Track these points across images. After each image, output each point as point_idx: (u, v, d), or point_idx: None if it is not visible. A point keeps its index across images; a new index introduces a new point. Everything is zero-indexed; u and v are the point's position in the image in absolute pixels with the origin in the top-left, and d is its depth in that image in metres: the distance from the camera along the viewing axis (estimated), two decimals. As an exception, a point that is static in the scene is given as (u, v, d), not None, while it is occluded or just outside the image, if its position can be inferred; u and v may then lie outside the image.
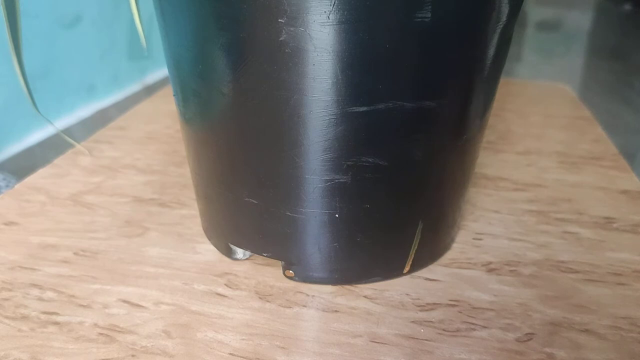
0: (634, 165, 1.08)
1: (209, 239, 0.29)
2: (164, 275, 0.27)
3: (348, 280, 0.26)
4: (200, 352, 0.22)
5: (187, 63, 0.23)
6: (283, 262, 0.26)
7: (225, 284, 0.26)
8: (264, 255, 0.26)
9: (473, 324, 0.24)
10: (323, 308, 0.25)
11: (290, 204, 0.24)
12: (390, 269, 0.26)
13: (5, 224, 0.31)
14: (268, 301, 0.25)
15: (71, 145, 0.40)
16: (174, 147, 0.41)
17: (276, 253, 0.26)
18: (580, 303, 0.25)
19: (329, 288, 0.26)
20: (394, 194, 0.24)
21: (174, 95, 0.26)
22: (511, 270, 0.27)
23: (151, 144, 0.42)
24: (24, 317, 0.24)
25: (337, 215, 0.24)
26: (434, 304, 0.25)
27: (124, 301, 0.25)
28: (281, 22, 0.19)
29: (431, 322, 0.24)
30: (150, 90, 1.58)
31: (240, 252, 0.27)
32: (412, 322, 0.24)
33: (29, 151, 1.27)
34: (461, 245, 0.29)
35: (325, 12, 0.19)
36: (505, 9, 0.22)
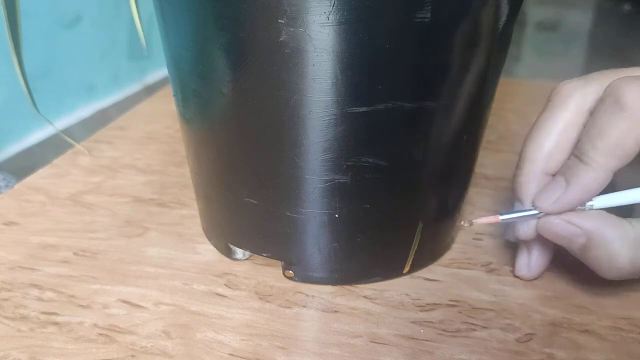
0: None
1: (209, 239, 0.29)
2: (164, 276, 0.27)
3: (348, 280, 0.26)
4: (200, 353, 0.22)
5: (187, 63, 0.23)
6: (283, 262, 0.26)
7: (225, 284, 0.26)
8: (263, 256, 0.26)
9: (473, 324, 0.24)
10: (323, 308, 0.25)
11: (290, 204, 0.24)
12: (390, 269, 0.26)
13: (5, 224, 0.31)
14: (268, 301, 0.25)
15: (71, 145, 0.40)
16: (174, 147, 0.41)
17: (276, 253, 0.26)
18: (580, 303, 0.25)
19: (328, 288, 0.26)
20: (394, 194, 0.24)
21: (173, 96, 0.26)
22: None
23: (151, 144, 0.42)
24: (24, 317, 0.24)
25: (336, 216, 0.24)
26: (434, 304, 0.25)
27: (124, 301, 0.25)
28: (281, 22, 0.19)
29: (431, 322, 0.24)
30: (150, 90, 1.58)
31: (240, 252, 0.27)
32: (412, 322, 0.24)
33: (29, 151, 1.27)
34: (461, 246, 0.29)
35: (324, 12, 0.19)
36: (504, 9, 0.22)
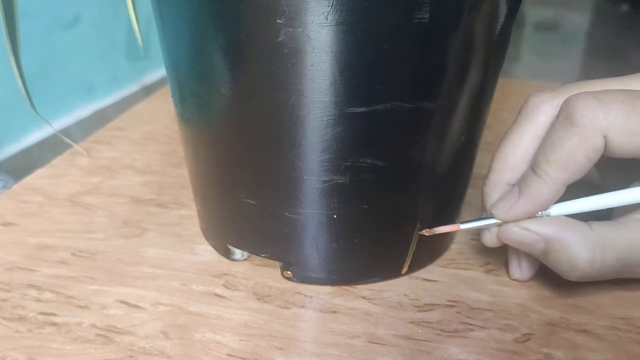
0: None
1: (207, 240, 0.29)
2: (162, 276, 0.27)
3: (346, 280, 0.26)
4: (199, 353, 0.22)
5: (185, 63, 0.23)
6: (281, 263, 0.26)
7: (223, 285, 0.26)
8: (262, 256, 0.26)
9: (471, 324, 0.24)
10: (321, 309, 0.25)
11: (289, 204, 0.24)
12: (388, 269, 0.26)
13: (3, 224, 0.31)
14: (266, 302, 0.25)
15: (69, 146, 0.40)
16: (173, 148, 0.41)
17: (274, 254, 0.26)
18: (578, 303, 0.25)
19: (327, 289, 0.26)
20: (392, 194, 0.24)
21: (172, 96, 0.26)
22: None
23: (149, 145, 0.42)
24: (22, 318, 0.24)
25: (335, 216, 0.24)
26: (432, 304, 0.25)
27: (122, 302, 0.25)
28: (279, 22, 0.19)
29: (429, 322, 0.24)
30: (148, 90, 1.57)
31: (238, 253, 0.27)
32: (411, 322, 0.24)
33: (27, 151, 1.27)
34: (459, 246, 0.29)
35: (323, 12, 0.19)
36: (503, 10, 0.22)
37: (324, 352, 0.22)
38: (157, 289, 0.26)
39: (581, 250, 0.21)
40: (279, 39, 0.19)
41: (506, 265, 0.27)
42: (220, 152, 0.24)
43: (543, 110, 0.23)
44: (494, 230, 0.24)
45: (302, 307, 0.25)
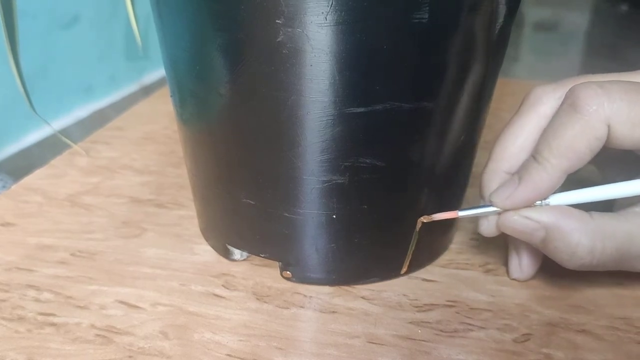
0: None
1: (207, 240, 0.29)
2: (162, 276, 0.27)
3: (346, 281, 0.26)
4: (198, 353, 0.22)
5: (185, 64, 0.23)
6: (280, 263, 0.26)
7: (222, 285, 0.26)
8: (261, 256, 0.26)
9: (470, 324, 0.24)
10: (320, 309, 0.25)
11: (288, 204, 0.24)
12: (387, 269, 0.26)
13: (2, 224, 0.31)
14: (265, 302, 0.25)
15: (68, 146, 0.40)
16: (172, 148, 0.41)
17: (274, 254, 0.26)
18: (577, 303, 0.25)
19: (326, 289, 0.26)
20: (392, 194, 0.24)
21: (171, 96, 0.26)
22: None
23: (149, 145, 0.42)
24: (21, 319, 0.24)
25: (334, 216, 0.24)
26: (432, 304, 0.25)
27: (121, 302, 0.25)
28: (279, 22, 0.19)
29: (429, 322, 0.24)
30: (147, 90, 1.57)
31: (237, 253, 0.27)
32: (410, 322, 0.24)
33: (26, 152, 1.27)
34: (459, 246, 0.29)
35: (322, 13, 0.19)
36: (502, 10, 0.22)
37: (323, 352, 0.22)
38: (157, 289, 0.26)
39: (581, 237, 0.21)
40: (278, 39, 0.19)
41: (505, 265, 0.27)
42: (219, 152, 0.24)
43: (545, 101, 0.23)
44: (492, 218, 0.24)
45: (302, 307, 0.25)
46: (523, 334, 0.23)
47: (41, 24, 1.26)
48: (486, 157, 0.25)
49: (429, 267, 0.27)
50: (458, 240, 0.29)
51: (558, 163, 0.21)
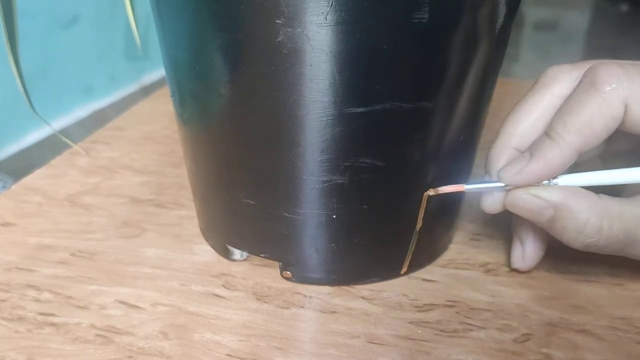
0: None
1: (207, 240, 0.29)
2: (162, 276, 0.27)
3: (346, 281, 0.26)
4: (198, 353, 0.22)
5: (185, 64, 0.23)
6: (280, 263, 0.26)
7: (222, 285, 0.26)
8: (261, 256, 0.26)
9: (470, 324, 0.24)
10: (320, 309, 0.25)
11: (288, 204, 0.24)
12: (387, 269, 0.26)
13: (2, 224, 0.31)
14: (265, 302, 0.25)
15: (68, 146, 0.40)
16: (172, 148, 0.41)
17: (274, 254, 0.26)
18: (577, 303, 0.25)
19: (326, 289, 0.26)
20: (392, 194, 0.24)
21: (171, 96, 0.26)
22: (508, 271, 0.27)
23: (149, 145, 0.42)
24: (21, 319, 0.24)
25: (334, 216, 0.24)
26: (432, 304, 0.25)
27: (121, 302, 0.25)
28: (279, 23, 0.19)
29: (428, 322, 0.24)
30: (147, 90, 1.57)
31: (237, 253, 0.27)
32: (410, 322, 0.24)
33: (26, 152, 1.27)
34: (459, 246, 0.29)
35: (322, 13, 0.19)
36: (502, 10, 0.22)
37: (323, 352, 0.22)
38: (156, 289, 0.26)
39: (590, 216, 0.21)
40: (278, 39, 0.19)
41: (505, 265, 0.27)
42: (219, 152, 0.24)
43: (561, 80, 0.23)
44: (496, 195, 0.23)
45: (302, 307, 0.25)
46: (523, 334, 0.23)
47: (41, 24, 1.26)
48: (485, 158, 0.25)
49: (429, 267, 0.27)
50: (458, 240, 0.29)
51: (572, 140, 0.21)
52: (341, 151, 0.22)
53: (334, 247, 0.25)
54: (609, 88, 0.20)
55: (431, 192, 0.23)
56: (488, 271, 0.27)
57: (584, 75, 0.22)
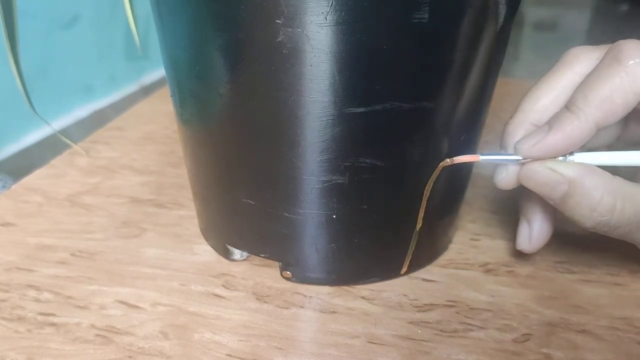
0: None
1: (207, 240, 0.29)
2: (162, 276, 0.27)
3: (345, 281, 0.26)
4: (198, 353, 0.22)
5: (185, 64, 0.23)
6: (280, 263, 0.26)
7: (222, 285, 0.26)
8: (261, 256, 0.26)
9: (470, 324, 0.24)
10: (320, 309, 0.25)
11: (288, 204, 0.24)
12: (387, 269, 0.26)
13: (2, 224, 0.31)
14: (265, 302, 0.25)
15: (68, 146, 0.40)
16: (172, 148, 0.41)
17: (274, 254, 0.26)
18: (577, 303, 0.25)
19: (326, 289, 0.26)
20: (392, 194, 0.24)
21: (171, 96, 0.26)
22: (508, 271, 0.27)
23: (148, 145, 0.42)
24: (21, 319, 0.24)
25: (334, 216, 0.24)
26: (432, 304, 0.25)
27: (121, 302, 0.25)
28: (278, 23, 0.19)
29: (428, 322, 0.24)
30: (147, 90, 1.57)
31: (237, 253, 0.27)
32: (410, 322, 0.24)
33: (26, 152, 1.27)
34: (459, 246, 0.29)
35: (322, 13, 0.19)
36: (502, 10, 0.22)
37: (323, 352, 0.22)
38: (156, 289, 0.26)
39: (604, 194, 0.21)
40: (278, 39, 0.19)
41: (505, 265, 0.27)
42: (219, 152, 0.24)
43: (583, 60, 0.23)
44: (511, 169, 0.23)
45: (302, 307, 0.25)
46: (523, 334, 0.23)
47: (41, 24, 1.26)
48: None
49: (429, 267, 0.27)
50: (458, 240, 0.29)
51: (592, 114, 0.21)
52: (341, 151, 0.22)
53: (334, 247, 0.25)
54: (632, 62, 0.20)
55: (449, 161, 0.23)
56: (488, 271, 0.27)
57: (608, 51, 0.22)
